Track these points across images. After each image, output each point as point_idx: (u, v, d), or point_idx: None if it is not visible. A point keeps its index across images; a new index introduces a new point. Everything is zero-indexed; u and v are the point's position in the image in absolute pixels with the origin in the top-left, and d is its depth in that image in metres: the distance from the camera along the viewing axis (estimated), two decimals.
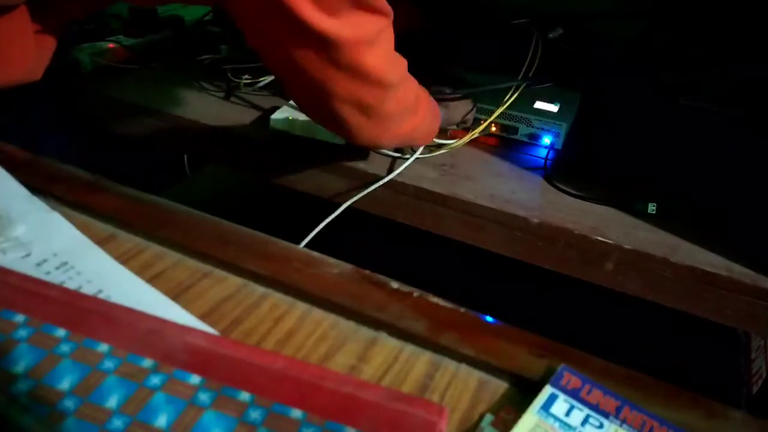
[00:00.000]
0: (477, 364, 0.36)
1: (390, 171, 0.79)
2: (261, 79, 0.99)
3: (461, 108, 0.82)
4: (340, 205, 0.76)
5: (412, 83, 0.64)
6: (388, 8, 0.54)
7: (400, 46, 0.62)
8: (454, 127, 0.85)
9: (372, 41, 0.53)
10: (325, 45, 0.50)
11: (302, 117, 0.84)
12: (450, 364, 0.37)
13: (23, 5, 0.57)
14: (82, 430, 0.29)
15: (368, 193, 0.77)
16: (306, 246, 0.46)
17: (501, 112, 0.84)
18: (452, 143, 0.84)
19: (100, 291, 0.38)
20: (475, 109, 0.85)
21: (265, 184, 0.88)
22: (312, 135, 0.83)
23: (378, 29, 0.53)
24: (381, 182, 0.76)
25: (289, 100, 0.90)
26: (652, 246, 0.67)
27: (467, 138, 0.85)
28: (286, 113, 0.85)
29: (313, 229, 0.71)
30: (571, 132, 0.88)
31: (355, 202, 0.78)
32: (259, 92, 0.99)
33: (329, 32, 0.48)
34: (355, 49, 0.51)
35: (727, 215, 0.75)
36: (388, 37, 0.57)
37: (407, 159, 0.80)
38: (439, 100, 0.78)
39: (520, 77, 0.82)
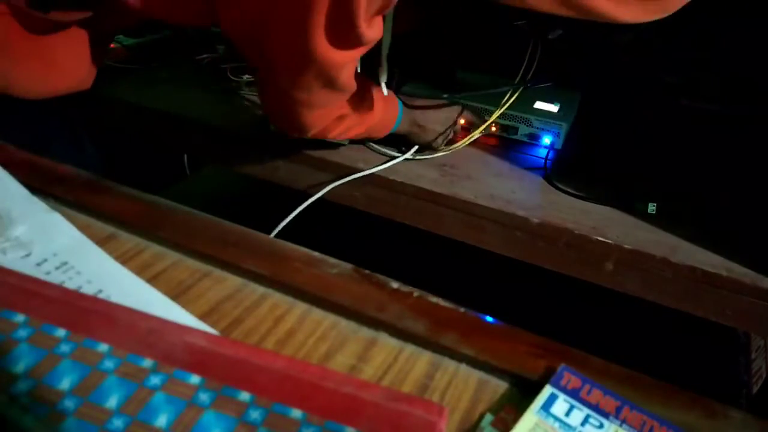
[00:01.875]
0: (477, 364, 0.36)
1: (389, 169, 0.79)
2: None
3: (439, 124, 0.83)
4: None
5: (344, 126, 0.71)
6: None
7: (400, 47, 0.63)
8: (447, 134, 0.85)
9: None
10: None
11: None
12: (450, 364, 0.37)
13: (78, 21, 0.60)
14: (82, 430, 0.29)
15: (356, 185, 0.77)
16: (302, 245, 0.45)
17: (501, 113, 0.83)
18: (452, 145, 0.84)
19: (100, 291, 0.38)
20: (457, 122, 0.84)
21: (265, 184, 0.88)
22: None
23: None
24: (365, 172, 0.77)
25: None
26: (652, 246, 0.67)
27: (467, 140, 0.85)
28: None
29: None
30: (571, 132, 0.88)
31: (354, 200, 0.78)
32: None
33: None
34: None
35: (727, 215, 0.75)
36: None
37: (404, 158, 0.80)
38: (418, 107, 0.81)
39: (518, 78, 0.83)
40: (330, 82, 0.59)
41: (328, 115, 0.67)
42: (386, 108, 0.77)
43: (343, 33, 0.53)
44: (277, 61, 0.59)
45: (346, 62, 0.57)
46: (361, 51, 0.58)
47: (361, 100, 0.72)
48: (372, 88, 0.74)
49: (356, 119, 0.72)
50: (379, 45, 0.74)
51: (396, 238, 1.06)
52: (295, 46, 0.54)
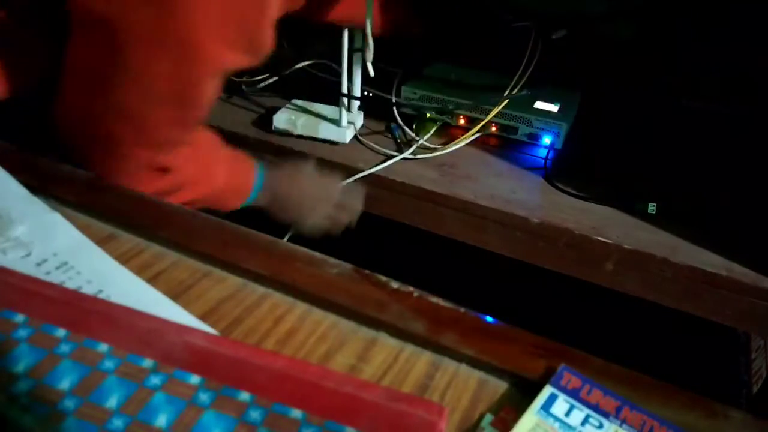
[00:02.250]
0: (477, 364, 0.36)
1: (389, 169, 0.79)
2: (261, 77, 0.99)
3: (310, 199, 0.72)
4: None
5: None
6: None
7: (401, 48, 0.63)
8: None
9: None
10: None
11: (304, 116, 0.85)
12: (450, 364, 0.37)
13: None
14: (82, 430, 0.29)
15: (354, 183, 0.78)
16: (302, 245, 0.45)
17: (500, 112, 0.84)
18: (452, 144, 0.84)
19: (100, 291, 0.38)
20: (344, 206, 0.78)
21: None
22: (314, 134, 0.84)
23: None
24: (365, 172, 0.78)
25: (291, 99, 0.90)
26: (652, 246, 0.67)
27: (465, 138, 0.85)
28: (288, 113, 0.86)
29: None
30: (571, 132, 0.88)
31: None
32: (259, 92, 0.98)
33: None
34: None
35: (727, 215, 0.75)
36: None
37: (401, 157, 0.80)
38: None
39: (517, 77, 0.83)
40: (184, 96, 0.49)
41: (150, 158, 0.54)
42: (235, 173, 0.65)
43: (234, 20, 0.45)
44: (130, 35, 0.45)
45: (219, 70, 0.49)
46: (241, 62, 0.49)
47: (203, 158, 0.60)
48: (222, 151, 0.64)
49: (186, 180, 0.59)
50: (362, 27, 0.70)
51: (396, 238, 1.06)
52: (167, 22, 0.44)
